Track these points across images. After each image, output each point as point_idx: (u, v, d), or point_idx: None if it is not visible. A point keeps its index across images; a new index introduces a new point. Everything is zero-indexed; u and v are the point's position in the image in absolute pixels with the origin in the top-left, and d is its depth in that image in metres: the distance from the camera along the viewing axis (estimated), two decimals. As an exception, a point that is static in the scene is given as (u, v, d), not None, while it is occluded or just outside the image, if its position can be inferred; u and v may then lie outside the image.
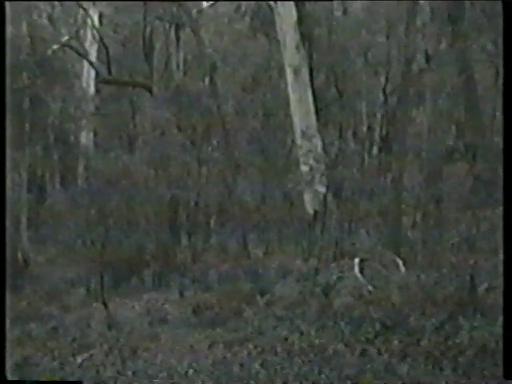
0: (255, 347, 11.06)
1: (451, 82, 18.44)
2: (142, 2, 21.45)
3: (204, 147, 19.23)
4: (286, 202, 18.57)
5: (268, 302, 13.22)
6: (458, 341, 10.26)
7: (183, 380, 10.43)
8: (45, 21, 24.37)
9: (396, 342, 10.57)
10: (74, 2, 22.40)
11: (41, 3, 23.66)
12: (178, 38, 21.30)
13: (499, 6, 10.49)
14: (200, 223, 18.96)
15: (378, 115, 20.98)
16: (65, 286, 16.96)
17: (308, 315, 11.93)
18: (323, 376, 9.97)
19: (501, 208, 8.66)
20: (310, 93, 16.64)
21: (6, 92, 9.03)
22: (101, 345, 12.04)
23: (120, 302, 14.74)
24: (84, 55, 23.10)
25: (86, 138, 24.39)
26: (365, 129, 21.07)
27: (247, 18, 22.33)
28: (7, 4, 9.13)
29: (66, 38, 22.77)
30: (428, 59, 15.92)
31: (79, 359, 11.62)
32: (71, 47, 22.58)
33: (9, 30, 11.57)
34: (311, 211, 15.88)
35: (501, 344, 8.83)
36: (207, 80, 20.09)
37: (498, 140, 13.11)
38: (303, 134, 16.26)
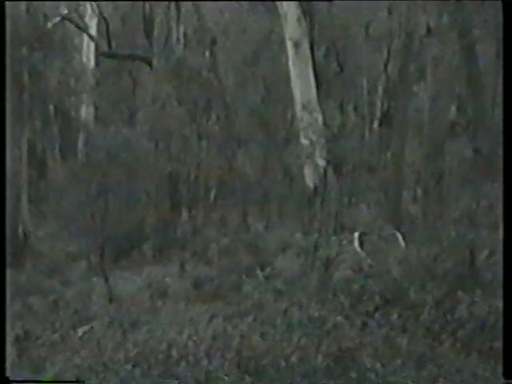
0: (255, 320, 11.10)
1: (452, 56, 18.32)
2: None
3: (204, 121, 19.20)
4: (286, 176, 18.57)
5: (268, 275, 13.26)
6: (457, 315, 10.30)
7: (183, 352, 10.48)
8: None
9: (395, 315, 10.61)
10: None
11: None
12: (178, 12, 21.13)
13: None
14: (200, 197, 18.96)
15: (379, 89, 20.84)
16: (65, 260, 17.00)
17: (308, 288, 11.96)
18: (323, 348, 10.01)
19: (501, 182, 8.66)
20: (310, 67, 16.55)
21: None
22: (101, 318, 12.10)
23: (120, 275, 14.79)
24: (84, 29, 22.96)
25: (86, 111, 24.31)
26: (366, 103, 20.94)
27: (248, -9, 22.13)
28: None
29: (66, 11, 22.62)
30: (429, 33, 15.83)
31: (80, 332, 11.68)
32: (71, 21, 22.44)
33: (8, 4, 11.46)
34: (311, 185, 15.83)
35: (500, 320, 8.85)
36: (207, 54, 20.00)
37: (499, 114, 13.06)
38: (304, 107, 16.18)
